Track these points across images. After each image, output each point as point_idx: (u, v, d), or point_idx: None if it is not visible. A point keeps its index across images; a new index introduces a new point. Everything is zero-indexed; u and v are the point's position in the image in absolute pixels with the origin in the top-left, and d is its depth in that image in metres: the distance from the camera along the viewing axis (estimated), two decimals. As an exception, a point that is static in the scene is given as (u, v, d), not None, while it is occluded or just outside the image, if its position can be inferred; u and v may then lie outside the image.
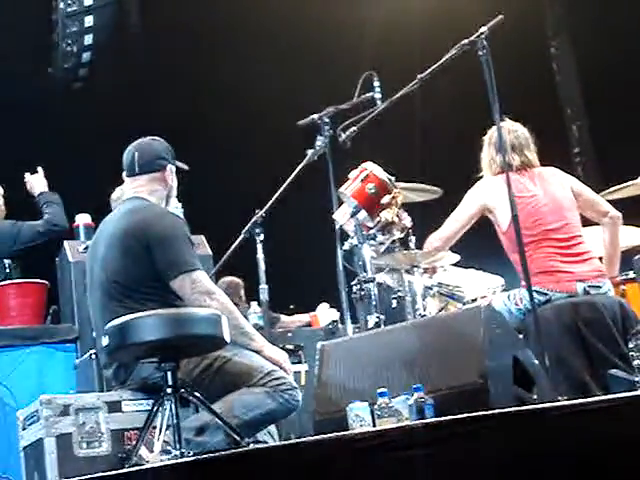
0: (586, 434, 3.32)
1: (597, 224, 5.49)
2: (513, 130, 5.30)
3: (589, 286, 5.04)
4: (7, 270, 5.93)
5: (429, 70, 5.03)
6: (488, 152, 5.35)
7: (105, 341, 4.10)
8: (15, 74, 9.36)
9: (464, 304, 5.49)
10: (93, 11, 9.53)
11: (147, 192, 4.66)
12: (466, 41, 4.73)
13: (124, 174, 4.77)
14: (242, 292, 8.36)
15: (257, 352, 4.45)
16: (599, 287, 5.05)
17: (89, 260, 4.68)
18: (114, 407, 4.32)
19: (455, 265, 5.75)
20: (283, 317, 7.99)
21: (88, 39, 9.67)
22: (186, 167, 4.87)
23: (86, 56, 9.81)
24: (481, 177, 5.39)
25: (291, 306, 8.54)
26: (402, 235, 5.47)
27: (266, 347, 4.50)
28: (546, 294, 4.99)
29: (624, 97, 9.57)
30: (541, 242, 5.12)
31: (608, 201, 5.53)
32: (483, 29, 4.66)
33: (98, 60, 9.81)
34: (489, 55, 4.58)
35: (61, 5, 9.39)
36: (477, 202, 5.29)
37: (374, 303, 5.37)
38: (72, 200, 6.20)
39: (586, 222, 5.45)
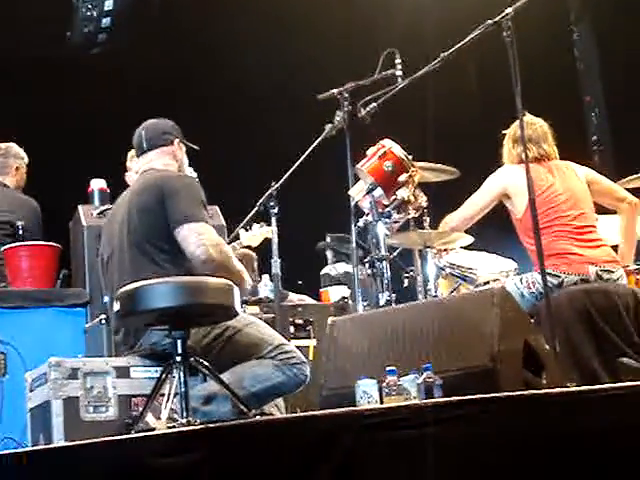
0: (593, 421, 3.32)
1: (613, 212, 5.50)
2: (531, 123, 5.33)
3: (601, 270, 5.05)
4: (20, 232, 5.93)
5: (452, 49, 5.00)
6: (507, 144, 5.41)
7: (116, 306, 4.10)
8: (34, 37, 9.33)
9: (476, 287, 5.48)
10: (114, -24, 9.49)
11: (160, 165, 4.70)
12: (491, 21, 4.70)
13: (134, 157, 4.89)
14: (255, 265, 8.35)
15: None
16: (612, 272, 5.07)
17: (107, 226, 4.70)
18: (122, 373, 4.34)
19: (466, 248, 5.74)
20: (291, 294, 7.99)
21: (108, 4, 9.62)
22: (196, 147, 4.89)
23: (106, 21, 9.77)
24: (500, 165, 5.41)
25: (299, 282, 8.52)
26: (417, 214, 5.45)
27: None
28: (558, 276, 4.99)
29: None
30: (554, 227, 5.14)
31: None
32: (508, 10, 4.62)
33: (117, 25, 9.76)
34: (514, 37, 4.55)
35: (82, -31, 9.36)
36: (497, 187, 5.32)
37: (386, 282, 5.36)
38: (87, 165, 6.18)
39: (600, 210, 5.45)
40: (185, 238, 4.37)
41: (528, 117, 5.28)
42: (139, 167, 4.81)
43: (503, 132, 5.42)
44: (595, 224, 5.28)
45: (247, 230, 6.13)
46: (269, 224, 5.87)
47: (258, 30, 9.64)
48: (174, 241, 4.39)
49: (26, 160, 6.52)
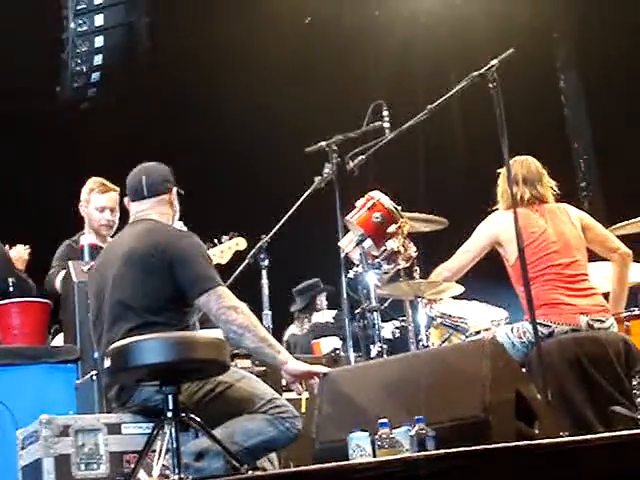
0: (587, 470, 3.31)
1: (604, 259, 5.50)
2: (526, 164, 5.33)
3: (592, 320, 5.04)
4: (10, 289, 5.90)
5: (438, 101, 5.04)
6: (502, 185, 5.37)
7: (107, 363, 4.09)
8: (24, 91, 9.39)
9: (467, 336, 5.48)
10: (104, 32, 9.58)
11: (157, 214, 4.62)
12: (476, 73, 4.74)
13: (126, 199, 4.75)
14: None
15: (282, 365, 4.40)
16: (602, 321, 5.05)
17: (97, 280, 4.63)
18: (114, 429, 4.30)
19: (457, 297, 5.74)
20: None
21: (97, 59, 9.71)
22: (181, 192, 4.84)
23: (95, 76, 9.85)
24: (493, 210, 5.40)
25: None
26: (407, 265, 5.46)
27: (291, 360, 4.44)
28: (549, 326, 4.98)
29: (632, 132, 9.58)
30: (546, 276, 5.13)
31: (614, 237, 5.54)
32: (494, 62, 4.67)
33: (107, 80, 9.85)
34: (499, 87, 4.59)
35: (72, 25, 9.44)
36: (489, 235, 5.32)
37: (377, 332, 5.36)
38: (76, 220, 6.17)
39: (593, 257, 5.45)
40: (207, 303, 4.36)
41: (521, 157, 5.31)
42: (134, 213, 4.71)
43: (498, 171, 5.38)
44: (587, 272, 5.26)
45: (214, 245, 5.83)
46: (239, 234, 5.70)
47: (244, 84, 9.71)
48: (174, 306, 4.39)
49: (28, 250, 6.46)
